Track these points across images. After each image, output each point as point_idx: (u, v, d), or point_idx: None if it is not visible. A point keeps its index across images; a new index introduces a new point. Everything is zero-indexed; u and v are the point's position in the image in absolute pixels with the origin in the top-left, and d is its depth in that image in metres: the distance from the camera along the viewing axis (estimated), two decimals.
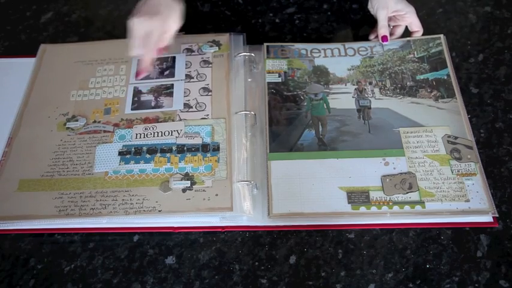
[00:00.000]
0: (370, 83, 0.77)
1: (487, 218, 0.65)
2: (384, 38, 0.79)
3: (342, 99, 0.76)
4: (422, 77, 0.77)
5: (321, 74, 0.79)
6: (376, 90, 0.77)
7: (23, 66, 0.83)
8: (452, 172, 0.67)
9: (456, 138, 0.69)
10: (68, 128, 0.74)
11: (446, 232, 0.64)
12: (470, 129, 0.70)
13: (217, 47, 0.81)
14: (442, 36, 0.81)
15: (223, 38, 0.83)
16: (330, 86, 0.77)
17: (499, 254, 0.63)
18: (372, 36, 0.83)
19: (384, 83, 0.77)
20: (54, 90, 0.79)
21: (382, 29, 0.79)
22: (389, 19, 0.80)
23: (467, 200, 0.64)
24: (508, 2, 0.88)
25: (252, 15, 0.89)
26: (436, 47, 0.80)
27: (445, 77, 0.76)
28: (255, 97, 0.77)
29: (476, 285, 0.60)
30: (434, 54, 0.79)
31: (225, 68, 0.79)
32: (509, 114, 0.74)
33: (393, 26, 0.82)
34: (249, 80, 0.79)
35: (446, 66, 0.77)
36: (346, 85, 0.78)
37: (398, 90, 0.76)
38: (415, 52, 0.80)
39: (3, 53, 0.88)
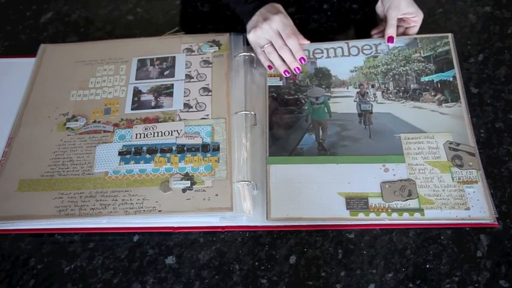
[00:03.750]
0: (373, 86, 0.76)
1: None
2: (390, 39, 0.78)
3: (343, 103, 0.75)
4: (427, 78, 0.76)
5: (323, 77, 0.78)
6: (379, 93, 0.76)
7: (23, 66, 0.83)
8: (453, 179, 0.66)
9: (458, 144, 0.69)
10: (68, 128, 0.74)
11: (446, 232, 0.64)
12: (473, 136, 0.70)
13: (217, 47, 0.81)
14: (450, 35, 0.79)
15: (223, 38, 0.83)
16: (332, 90, 0.77)
17: (499, 254, 0.63)
18: (374, 31, 0.82)
19: (386, 85, 0.76)
20: (54, 90, 0.79)
21: (391, 29, 0.77)
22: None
23: (468, 208, 0.64)
24: (508, 2, 0.88)
25: None
26: (444, 46, 0.78)
27: (451, 79, 0.75)
28: (255, 97, 0.77)
29: (476, 285, 0.60)
30: (441, 54, 0.78)
31: (225, 68, 0.79)
32: (509, 114, 0.74)
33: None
34: (249, 80, 0.79)
35: (453, 67, 0.76)
36: (348, 88, 0.77)
37: (401, 94, 0.75)
38: (422, 51, 0.78)
39: (3, 53, 0.88)
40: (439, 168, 0.67)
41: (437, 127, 0.71)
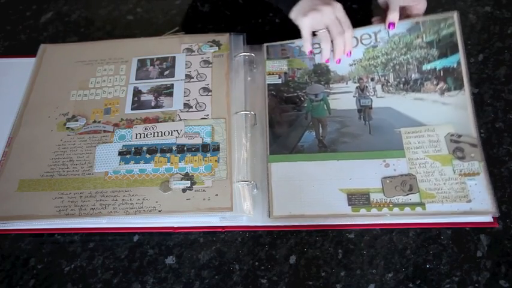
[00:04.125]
0: (372, 79, 0.75)
1: (487, 218, 0.64)
2: (392, 25, 0.75)
3: (343, 100, 0.75)
4: (429, 66, 0.73)
5: (322, 73, 0.78)
6: (378, 87, 0.75)
7: (23, 66, 0.83)
8: (455, 172, 0.66)
9: (460, 136, 0.68)
10: (68, 128, 0.74)
11: (446, 232, 0.64)
12: (476, 126, 0.67)
13: (217, 47, 0.81)
14: (455, 14, 0.74)
15: (223, 38, 0.83)
16: (331, 86, 0.76)
17: (499, 254, 0.63)
18: (375, 18, 0.79)
19: (386, 77, 0.75)
20: (54, 90, 0.79)
21: (393, 14, 0.74)
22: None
23: (469, 201, 0.64)
24: (508, 2, 0.88)
25: (252, 15, 0.89)
26: (448, 28, 0.73)
27: (455, 65, 0.72)
28: (255, 97, 0.77)
29: (476, 285, 0.60)
30: (445, 38, 0.73)
31: (225, 68, 0.79)
32: (509, 114, 0.74)
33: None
34: (249, 80, 0.79)
35: (457, 51, 0.72)
36: (347, 83, 0.76)
37: (401, 86, 0.74)
38: (424, 35, 0.74)
39: (3, 53, 0.88)
40: (440, 161, 0.67)
41: (439, 119, 0.70)
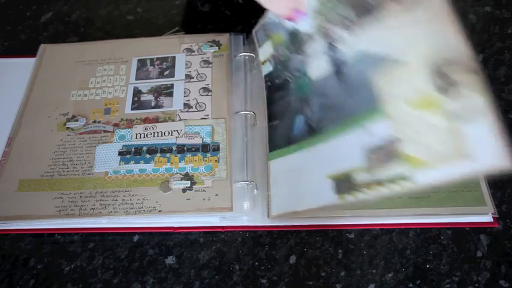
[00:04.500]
0: (336, 25, 0.57)
1: (487, 218, 0.64)
2: None
3: (319, 66, 0.60)
4: None
5: (295, 40, 0.65)
6: (344, 32, 0.55)
7: (23, 66, 0.83)
8: (446, 119, 0.43)
9: (447, 62, 0.44)
10: (68, 128, 0.74)
11: (446, 232, 0.65)
12: (468, 41, 0.42)
13: (217, 47, 0.81)
14: None
15: (223, 38, 0.83)
16: (304, 50, 0.63)
17: (499, 254, 0.63)
18: None
19: (346, 15, 0.54)
20: (54, 90, 0.79)
21: None
22: None
23: (471, 157, 0.42)
24: (508, 2, 0.88)
25: (252, 15, 0.89)
26: None
27: None
28: (255, 97, 0.77)
29: (476, 285, 0.60)
30: None
31: (225, 68, 0.79)
32: (509, 114, 0.74)
33: None
34: (249, 80, 0.79)
35: None
36: (317, 41, 0.60)
37: (362, 18, 0.52)
38: None
39: (3, 53, 0.88)
40: (424, 108, 0.46)
41: (413, 47, 0.46)
